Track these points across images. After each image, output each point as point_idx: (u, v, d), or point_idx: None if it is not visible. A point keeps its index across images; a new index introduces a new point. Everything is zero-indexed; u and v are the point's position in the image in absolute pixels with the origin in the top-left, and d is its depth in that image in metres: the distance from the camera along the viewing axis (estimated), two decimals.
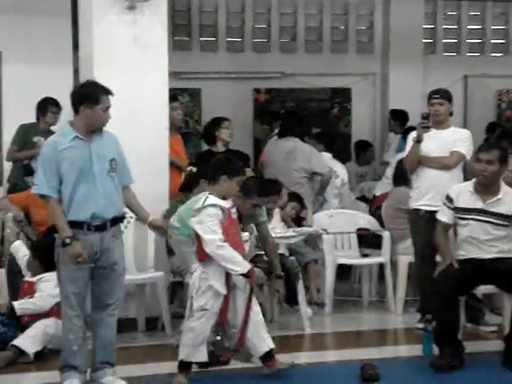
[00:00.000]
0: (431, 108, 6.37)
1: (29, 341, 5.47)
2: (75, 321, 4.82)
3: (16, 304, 5.67)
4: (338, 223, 7.40)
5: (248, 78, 10.48)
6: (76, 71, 7.35)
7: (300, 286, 6.50)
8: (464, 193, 5.75)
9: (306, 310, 6.57)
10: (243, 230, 5.41)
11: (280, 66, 10.53)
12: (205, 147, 7.76)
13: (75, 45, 7.25)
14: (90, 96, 4.79)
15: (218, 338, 5.02)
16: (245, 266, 4.96)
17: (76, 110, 4.83)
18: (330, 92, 10.90)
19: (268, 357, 5.13)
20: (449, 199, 5.78)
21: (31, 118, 7.37)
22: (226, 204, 4.99)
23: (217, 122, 7.39)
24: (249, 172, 6.59)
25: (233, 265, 4.91)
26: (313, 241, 7.23)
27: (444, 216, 5.80)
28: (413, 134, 6.43)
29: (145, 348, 5.95)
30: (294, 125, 7.80)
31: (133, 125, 6.17)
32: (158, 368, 5.37)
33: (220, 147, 7.26)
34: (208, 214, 4.91)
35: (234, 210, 5.06)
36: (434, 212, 6.12)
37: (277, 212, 6.85)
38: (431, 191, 6.29)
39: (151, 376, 5.25)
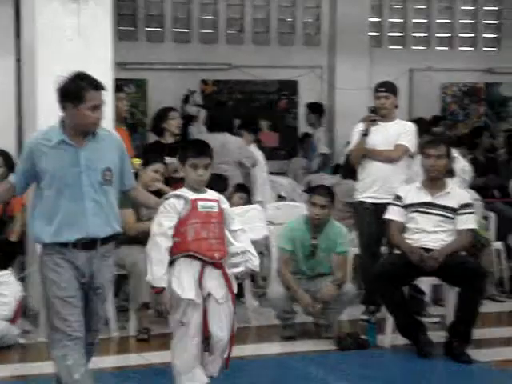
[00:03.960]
0: (377, 101, 6.44)
1: None
2: (70, 344, 4.03)
3: None
4: (285, 215, 7.39)
5: (195, 69, 10.42)
6: (18, 60, 7.22)
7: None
8: (412, 189, 5.84)
9: (251, 302, 6.57)
10: None
11: (227, 58, 10.50)
12: (152, 139, 7.70)
13: (18, 33, 7.12)
14: (72, 92, 3.99)
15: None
16: (156, 278, 4.20)
17: (62, 108, 4.07)
18: (277, 84, 10.91)
19: None
20: (398, 198, 5.85)
21: None
22: (193, 195, 4.32)
23: (164, 113, 7.34)
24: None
25: (149, 268, 4.24)
26: None
27: (395, 215, 5.84)
28: (359, 127, 6.48)
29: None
30: (221, 118, 7.85)
31: None
32: (101, 362, 5.30)
33: (168, 138, 7.21)
34: (164, 204, 4.34)
35: (206, 204, 4.32)
36: (379, 204, 6.19)
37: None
38: (376, 184, 6.35)
39: (96, 370, 5.18)
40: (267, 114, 10.38)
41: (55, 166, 3.99)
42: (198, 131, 9.13)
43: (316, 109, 10.11)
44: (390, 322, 5.75)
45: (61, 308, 4.01)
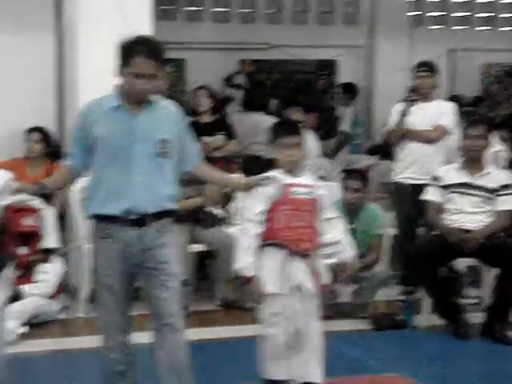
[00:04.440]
0: (417, 81, 6.40)
1: (16, 315, 5.33)
2: (114, 336, 3.84)
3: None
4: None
5: (234, 48, 10.41)
6: (60, 39, 7.28)
7: None
8: (451, 170, 5.81)
9: None
10: None
11: (266, 37, 10.47)
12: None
13: (58, 12, 7.19)
14: (122, 54, 3.78)
15: None
16: (244, 266, 3.97)
17: (118, 70, 3.84)
18: (316, 64, 10.86)
19: None
20: (436, 178, 5.81)
21: (13, 86, 7.29)
22: (287, 179, 4.01)
23: (193, 92, 7.37)
24: None
25: (237, 256, 4.02)
26: None
27: (433, 196, 5.81)
28: (398, 107, 6.44)
29: None
30: (256, 98, 7.81)
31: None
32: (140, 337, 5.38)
33: (204, 117, 7.20)
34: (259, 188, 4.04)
35: (300, 190, 4.00)
36: (417, 185, 6.16)
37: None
38: (415, 164, 6.32)
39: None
40: (305, 94, 10.34)
41: (108, 132, 3.71)
42: (235, 111, 9.14)
43: (348, 89, 10.03)
44: (426, 302, 5.75)
45: (106, 296, 3.81)
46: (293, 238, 3.93)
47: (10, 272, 3.98)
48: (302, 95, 10.13)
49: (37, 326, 5.57)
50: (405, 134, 6.35)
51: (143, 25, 6.32)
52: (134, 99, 3.75)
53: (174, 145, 3.80)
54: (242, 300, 6.21)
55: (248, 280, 3.94)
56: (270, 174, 4.02)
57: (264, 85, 10.08)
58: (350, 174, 6.16)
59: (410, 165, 6.35)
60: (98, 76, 6.24)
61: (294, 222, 3.94)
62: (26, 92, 7.09)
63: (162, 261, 3.77)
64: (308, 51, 10.58)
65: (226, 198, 6.52)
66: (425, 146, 6.32)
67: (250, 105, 7.71)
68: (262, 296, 3.95)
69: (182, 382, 3.77)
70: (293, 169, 4.03)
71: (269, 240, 3.95)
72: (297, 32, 10.60)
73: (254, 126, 7.22)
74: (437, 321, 5.72)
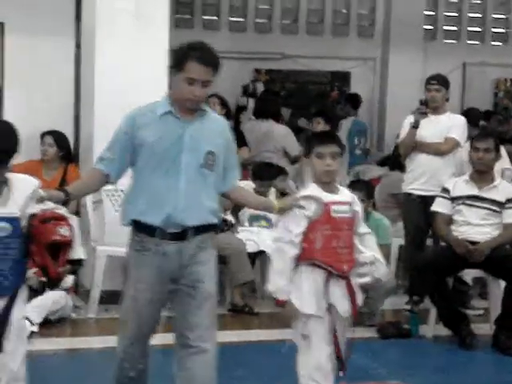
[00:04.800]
0: (428, 93, 6.46)
1: (36, 311, 5.40)
2: (129, 349, 3.73)
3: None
4: None
5: (249, 58, 10.51)
6: (78, 43, 7.39)
7: None
8: (459, 182, 5.87)
9: None
10: None
11: (281, 47, 10.57)
12: None
13: (78, 16, 7.29)
14: (176, 59, 3.63)
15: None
16: (277, 290, 3.76)
17: (171, 75, 3.72)
18: (329, 75, 10.95)
19: None
20: (445, 190, 5.88)
21: (33, 89, 7.39)
22: (326, 197, 3.78)
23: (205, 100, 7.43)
24: None
25: (271, 278, 3.80)
26: None
27: (441, 207, 5.86)
28: (409, 119, 6.50)
29: None
30: (268, 106, 7.87)
31: (131, 98, 6.19)
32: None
33: None
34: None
35: (340, 208, 3.79)
36: (426, 196, 6.22)
37: (272, 192, 6.91)
38: (424, 176, 6.38)
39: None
40: (318, 105, 10.42)
41: (156, 138, 3.56)
42: (247, 118, 9.22)
43: (351, 99, 10.08)
44: (433, 312, 5.80)
45: (132, 310, 3.65)
46: (332, 259, 3.74)
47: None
48: (314, 105, 10.23)
49: (47, 325, 5.62)
50: (415, 146, 6.41)
51: (160, 32, 6.44)
52: (185, 106, 3.62)
53: (220, 160, 3.66)
54: (250, 305, 6.29)
55: (282, 303, 3.77)
56: (308, 192, 3.80)
57: (276, 93, 10.17)
58: (355, 184, 6.22)
59: (420, 176, 6.41)
60: (114, 80, 6.36)
61: (334, 242, 3.75)
62: (44, 95, 7.19)
63: (199, 279, 3.60)
64: (322, 62, 10.68)
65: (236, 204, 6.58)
66: (435, 158, 6.37)
67: (262, 113, 7.78)
68: (297, 318, 3.77)
69: None
70: (329, 181, 3.83)
71: (306, 260, 3.76)
72: (311, 43, 10.69)
73: (265, 134, 7.30)
74: (443, 331, 5.77)
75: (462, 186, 5.83)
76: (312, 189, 3.81)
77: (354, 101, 10.05)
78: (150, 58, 6.42)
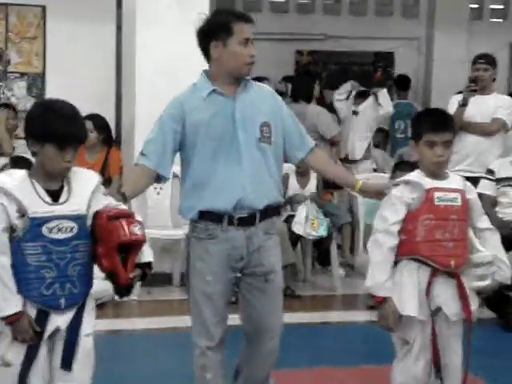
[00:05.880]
0: (475, 73, 6.36)
1: None
2: (210, 354, 3.42)
3: None
4: None
5: (291, 39, 10.45)
6: (119, 28, 7.42)
7: (333, 247, 6.56)
8: (505, 163, 5.81)
9: (338, 270, 6.63)
10: None
11: (323, 28, 10.49)
12: None
13: (118, 1, 7.33)
14: (219, 26, 3.34)
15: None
16: (376, 285, 3.33)
17: (206, 54, 3.41)
18: (372, 55, 10.84)
19: None
20: (490, 172, 5.81)
21: (74, 73, 7.45)
22: (429, 183, 3.36)
23: None
24: None
25: (370, 272, 3.37)
26: (347, 203, 7.27)
27: (486, 189, 5.79)
28: (456, 98, 6.41)
29: (179, 302, 6.08)
30: (300, 87, 7.81)
31: (172, 83, 6.20)
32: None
33: None
34: (393, 192, 3.40)
35: (446, 196, 3.35)
36: (471, 178, 6.11)
37: (313, 175, 6.86)
38: (470, 157, 6.30)
39: (185, 328, 5.36)
40: (362, 85, 10.31)
41: (208, 120, 3.31)
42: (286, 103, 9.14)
43: (400, 81, 9.89)
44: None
45: (203, 306, 3.38)
46: (436, 253, 3.30)
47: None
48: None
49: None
50: (462, 126, 6.32)
51: (201, 15, 6.41)
52: (234, 76, 3.36)
53: (277, 129, 3.42)
54: (292, 288, 6.27)
55: (380, 301, 3.33)
56: (409, 177, 3.39)
57: (309, 74, 10.01)
58: (400, 165, 6.14)
59: (466, 157, 6.32)
60: (155, 63, 6.38)
61: (438, 234, 3.31)
62: (86, 79, 7.26)
63: (270, 270, 3.42)
64: (365, 42, 10.57)
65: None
66: (481, 138, 6.29)
67: (296, 95, 7.71)
68: (396, 320, 3.34)
69: None
70: (439, 171, 3.40)
71: (407, 255, 3.34)
72: (354, 23, 10.59)
73: (298, 116, 7.26)
74: (487, 313, 5.69)
75: (507, 167, 5.74)
76: (414, 174, 3.40)
77: (403, 83, 9.88)
78: (191, 41, 6.36)
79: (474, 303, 3.40)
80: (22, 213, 2.80)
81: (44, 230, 2.82)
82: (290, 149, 3.51)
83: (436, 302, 3.31)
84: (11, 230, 2.81)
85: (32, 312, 2.85)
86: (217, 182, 3.31)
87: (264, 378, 3.56)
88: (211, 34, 3.36)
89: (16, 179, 2.87)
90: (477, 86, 6.27)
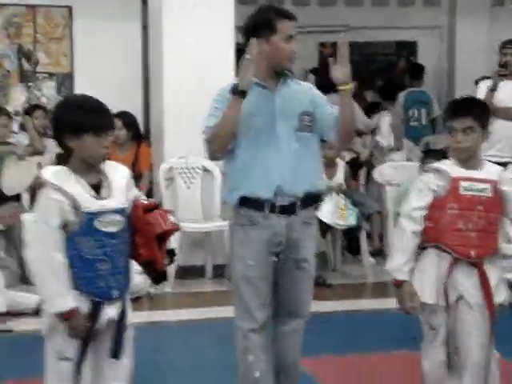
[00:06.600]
0: (503, 58, 6.38)
1: None
2: (252, 337, 3.50)
3: None
4: (402, 175, 7.43)
5: (313, 31, 10.47)
6: (144, 26, 7.51)
7: (363, 236, 6.63)
8: None
9: (368, 259, 6.70)
10: None
11: (345, 20, 10.50)
12: None
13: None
14: (262, 23, 3.46)
15: None
16: (396, 268, 3.36)
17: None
18: (394, 45, 10.84)
19: None
20: None
21: (102, 72, 7.55)
22: (457, 171, 3.33)
23: None
24: None
25: (390, 255, 3.48)
26: (376, 192, 7.33)
27: None
28: (485, 83, 6.43)
29: (212, 294, 6.18)
30: (327, 79, 7.83)
31: (199, 76, 6.32)
32: (225, 312, 5.57)
33: None
34: (420, 180, 3.43)
35: (473, 186, 3.31)
36: (501, 163, 6.14)
37: (341, 165, 6.91)
38: (500, 142, 6.31)
39: (218, 319, 5.46)
40: (385, 76, 10.35)
41: (250, 111, 3.41)
42: None
43: (413, 69, 9.88)
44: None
45: (244, 289, 3.48)
46: (456, 242, 3.28)
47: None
48: (381, 77, 10.16)
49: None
50: (492, 111, 6.33)
51: (226, 10, 6.50)
52: (276, 70, 3.50)
53: (318, 117, 3.54)
54: (323, 277, 6.34)
55: (399, 283, 3.35)
56: (439, 164, 3.38)
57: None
58: (429, 153, 6.17)
59: (496, 142, 6.32)
60: (181, 59, 6.47)
61: (460, 223, 3.29)
62: (113, 77, 7.35)
63: (303, 258, 3.52)
64: (387, 32, 10.56)
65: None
66: (511, 123, 6.30)
67: (323, 86, 7.74)
68: (414, 305, 3.36)
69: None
70: (463, 158, 3.35)
71: (432, 242, 3.34)
72: (376, 13, 10.59)
73: None
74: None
75: None
76: (446, 162, 3.39)
77: (416, 71, 9.88)
78: (217, 36, 6.49)
79: (502, 294, 3.35)
80: (76, 208, 2.86)
81: (97, 223, 2.88)
82: (321, 132, 3.58)
83: (458, 291, 3.31)
84: (63, 225, 2.86)
85: (85, 305, 2.91)
86: (258, 170, 3.42)
87: (295, 364, 3.64)
88: (255, 31, 3.47)
89: (63, 175, 2.92)
90: (506, 70, 6.30)
